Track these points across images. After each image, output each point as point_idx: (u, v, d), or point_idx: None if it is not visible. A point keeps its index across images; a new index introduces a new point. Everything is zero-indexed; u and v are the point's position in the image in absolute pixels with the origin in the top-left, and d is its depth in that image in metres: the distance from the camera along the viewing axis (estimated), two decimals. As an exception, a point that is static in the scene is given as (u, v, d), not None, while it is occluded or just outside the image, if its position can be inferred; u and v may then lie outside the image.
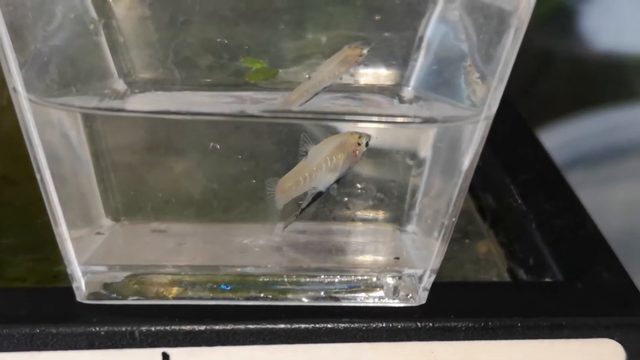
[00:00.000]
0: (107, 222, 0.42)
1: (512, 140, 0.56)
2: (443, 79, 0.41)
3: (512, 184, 0.51)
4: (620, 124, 1.02)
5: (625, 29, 1.12)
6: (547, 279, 0.45)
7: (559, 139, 0.99)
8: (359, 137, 0.38)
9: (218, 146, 0.41)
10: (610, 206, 0.99)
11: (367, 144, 0.38)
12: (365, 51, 0.39)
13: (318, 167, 0.38)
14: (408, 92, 0.41)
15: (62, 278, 0.42)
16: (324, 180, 0.39)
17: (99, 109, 0.39)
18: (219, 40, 0.40)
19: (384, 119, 0.41)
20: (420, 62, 0.42)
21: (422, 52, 0.41)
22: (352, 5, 0.41)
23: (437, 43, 0.41)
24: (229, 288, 0.41)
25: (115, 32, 0.40)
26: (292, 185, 0.39)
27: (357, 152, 0.38)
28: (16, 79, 0.36)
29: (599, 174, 1.00)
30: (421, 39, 0.41)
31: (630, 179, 1.02)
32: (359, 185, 0.43)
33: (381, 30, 0.41)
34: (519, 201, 0.49)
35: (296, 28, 0.41)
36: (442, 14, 0.41)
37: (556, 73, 1.17)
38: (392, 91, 0.42)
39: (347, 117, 0.40)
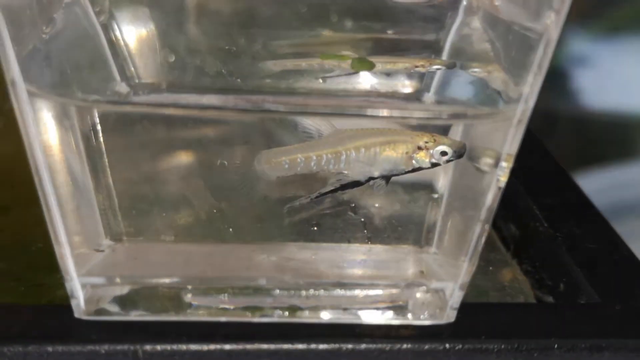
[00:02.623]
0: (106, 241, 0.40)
1: (535, 167, 0.53)
2: (464, 85, 0.39)
3: (538, 209, 0.48)
4: (624, 181, 1.00)
5: (626, 89, 1.12)
6: (583, 302, 0.42)
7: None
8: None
9: (226, 163, 0.39)
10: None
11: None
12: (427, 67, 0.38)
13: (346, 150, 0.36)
14: (429, 97, 0.39)
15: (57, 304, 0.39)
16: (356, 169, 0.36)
17: (100, 101, 0.36)
18: (225, 46, 0.38)
19: (407, 114, 0.38)
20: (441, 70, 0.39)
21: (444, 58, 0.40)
22: (374, 16, 0.40)
23: (458, 50, 0.40)
24: (240, 306, 0.38)
25: (117, 35, 0.38)
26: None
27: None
28: (14, 70, 0.33)
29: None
30: (442, 46, 0.40)
31: (636, 238, 0.99)
32: (376, 205, 0.40)
33: (402, 38, 0.40)
34: (546, 225, 0.46)
35: (315, 37, 0.39)
36: (463, 23, 0.39)
37: (560, 132, 1.16)
38: (413, 97, 0.39)
39: (370, 113, 0.37)
